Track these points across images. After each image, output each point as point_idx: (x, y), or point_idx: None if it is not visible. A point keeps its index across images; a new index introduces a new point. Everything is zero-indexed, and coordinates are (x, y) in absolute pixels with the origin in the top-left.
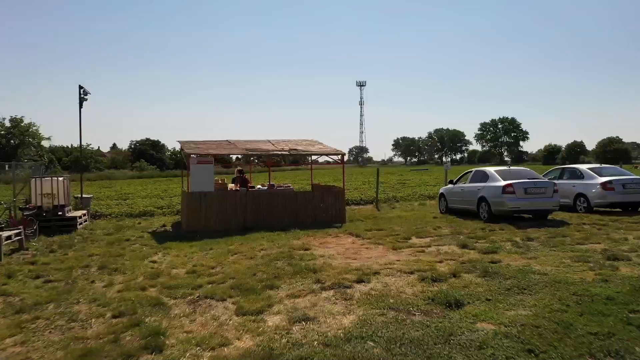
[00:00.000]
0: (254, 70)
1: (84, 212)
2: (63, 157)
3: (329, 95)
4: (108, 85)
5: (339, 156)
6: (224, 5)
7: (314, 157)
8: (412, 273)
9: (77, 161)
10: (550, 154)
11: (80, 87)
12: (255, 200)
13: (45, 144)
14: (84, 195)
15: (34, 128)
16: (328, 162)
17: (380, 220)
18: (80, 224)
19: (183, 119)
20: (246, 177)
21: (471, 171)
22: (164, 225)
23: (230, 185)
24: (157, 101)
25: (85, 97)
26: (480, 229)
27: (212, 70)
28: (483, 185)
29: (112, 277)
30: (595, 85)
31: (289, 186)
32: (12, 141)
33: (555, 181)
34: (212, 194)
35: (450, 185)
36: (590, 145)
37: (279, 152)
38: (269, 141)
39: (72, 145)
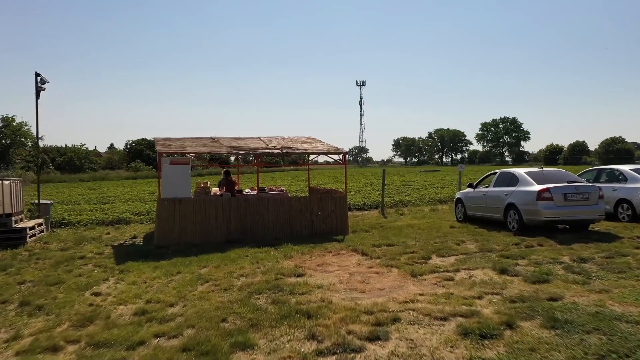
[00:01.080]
0: (253, 70)
1: (40, 221)
2: (57, 157)
3: (328, 95)
4: (106, 85)
5: (340, 156)
6: (223, 5)
7: (311, 157)
8: (445, 319)
9: (71, 161)
10: (552, 154)
11: (37, 75)
12: (241, 208)
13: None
14: (42, 201)
15: (26, 128)
16: (328, 162)
17: (389, 230)
18: (33, 235)
19: (182, 119)
20: (233, 179)
21: (495, 173)
22: (134, 237)
23: (215, 189)
24: (156, 101)
25: (42, 86)
26: (513, 244)
27: (211, 70)
28: (512, 190)
29: (28, 322)
30: (598, 84)
31: (283, 190)
32: (2, 141)
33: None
34: (188, 201)
35: (468, 190)
36: (592, 146)
37: (270, 151)
38: (260, 138)
39: (66, 145)
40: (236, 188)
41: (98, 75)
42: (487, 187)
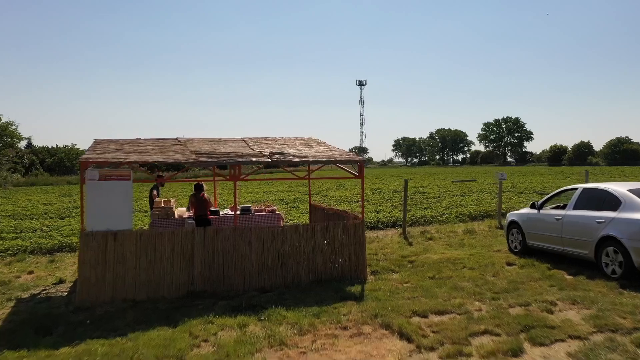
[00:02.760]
0: (252, 69)
1: None
2: (47, 158)
3: (329, 95)
4: (103, 84)
5: (356, 164)
6: (222, 4)
7: (312, 165)
8: None
9: (61, 163)
10: (556, 155)
11: None
12: (209, 244)
13: (23, 144)
14: None
15: (12, 127)
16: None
17: (425, 271)
18: None
19: (181, 118)
20: (207, 196)
21: (575, 189)
22: (60, 281)
23: (181, 211)
24: (155, 101)
25: None
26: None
27: (210, 69)
28: (610, 217)
29: None
30: (602, 83)
31: (275, 210)
32: None
33: None
34: (128, 235)
35: (529, 211)
36: (597, 146)
37: (253, 159)
38: (244, 140)
39: (57, 145)
40: (211, 208)
41: (95, 74)
42: (562, 208)
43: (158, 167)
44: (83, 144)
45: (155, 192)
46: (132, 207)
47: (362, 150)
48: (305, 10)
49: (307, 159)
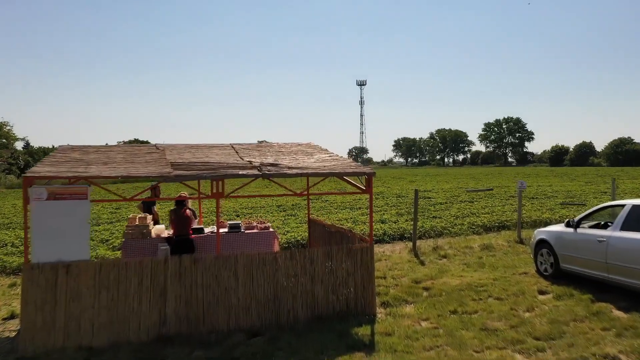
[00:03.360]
0: (251, 69)
1: None
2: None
3: (328, 95)
4: (102, 84)
5: (363, 177)
6: (222, 3)
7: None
8: None
9: None
10: (558, 155)
11: None
12: (186, 276)
13: (19, 145)
14: None
15: (7, 128)
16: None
17: (444, 302)
18: None
19: (180, 119)
20: (189, 213)
21: (621, 205)
22: (12, 316)
23: (160, 229)
24: (153, 100)
25: None
26: None
27: (209, 69)
28: None
29: None
30: (604, 83)
31: (269, 227)
32: None
33: None
34: (84, 267)
35: (563, 229)
36: (599, 147)
37: (240, 172)
38: (232, 147)
39: (53, 146)
40: (194, 226)
41: (94, 74)
42: (604, 227)
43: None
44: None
45: (173, 217)
46: (88, 232)
47: (362, 150)
48: (305, 10)
49: (304, 172)
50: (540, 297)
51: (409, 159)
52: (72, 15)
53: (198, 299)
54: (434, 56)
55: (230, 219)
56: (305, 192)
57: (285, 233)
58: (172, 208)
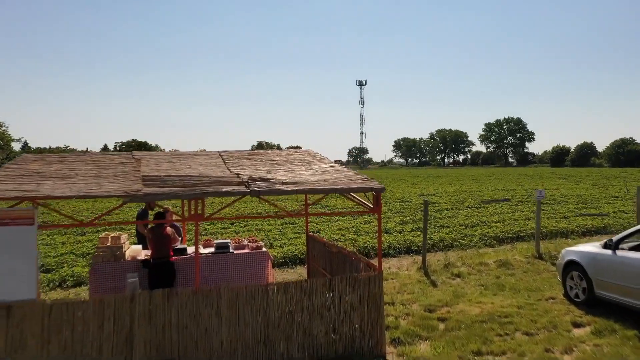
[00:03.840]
0: (251, 69)
1: None
2: None
3: (329, 95)
4: (101, 84)
5: (372, 193)
6: (222, 4)
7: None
8: None
9: None
10: (559, 156)
11: None
12: (157, 315)
13: (17, 146)
14: None
15: (2, 129)
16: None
17: (465, 339)
18: None
19: (182, 118)
20: (169, 231)
21: None
22: None
23: (136, 250)
24: (153, 101)
25: None
26: None
27: (208, 69)
28: None
29: None
30: (605, 83)
31: (260, 246)
32: None
33: None
34: (30, 309)
35: (599, 250)
36: (600, 147)
37: (222, 189)
38: (220, 156)
39: (50, 147)
40: (175, 245)
41: (93, 74)
42: None
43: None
44: (81, 145)
45: (150, 235)
46: (35, 264)
47: (362, 150)
48: (305, 10)
49: (301, 188)
50: (576, 331)
51: (409, 159)
52: (72, 16)
53: (172, 343)
54: (434, 56)
55: (217, 238)
56: (304, 212)
57: (282, 246)
58: (150, 226)
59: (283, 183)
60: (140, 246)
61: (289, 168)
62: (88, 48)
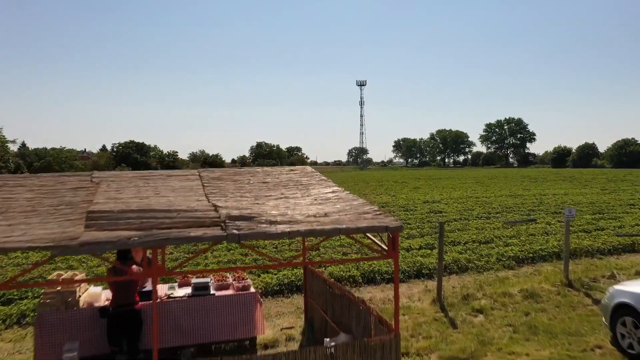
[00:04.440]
0: (251, 69)
1: None
2: (35, 161)
3: (329, 95)
4: (100, 84)
5: (388, 234)
6: (221, 3)
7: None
8: None
9: (49, 166)
10: (560, 157)
11: None
12: None
13: (14, 147)
14: None
15: None
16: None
17: None
18: None
19: (181, 118)
20: (135, 270)
21: None
22: None
23: (94, 294)
24: (154, 100)
25: None
26: None
27: (208, 69)
28: None
29: None
30: (607, 83)
31: (248, 285)
32: None
33: None
34: None
35: None
36: (601, 148)
37: (188, 234)
38: (199, 177)
39: (46, 148)
40: (143, 287)
41: (92, 74)
42: None
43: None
44: (81, 146)
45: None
46: None
47: (362, 150)
48: (305, 10)
49: (295, 229)
50: None
51: (409, 159)
52: (72, 16)
53: None
54: (435, 56)
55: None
56: (302, 261)
57: (277, 272)
58: (110, 266)
59: (271, 222)
60: (99, 289)
61: (282, 194)
62: (87, 48)
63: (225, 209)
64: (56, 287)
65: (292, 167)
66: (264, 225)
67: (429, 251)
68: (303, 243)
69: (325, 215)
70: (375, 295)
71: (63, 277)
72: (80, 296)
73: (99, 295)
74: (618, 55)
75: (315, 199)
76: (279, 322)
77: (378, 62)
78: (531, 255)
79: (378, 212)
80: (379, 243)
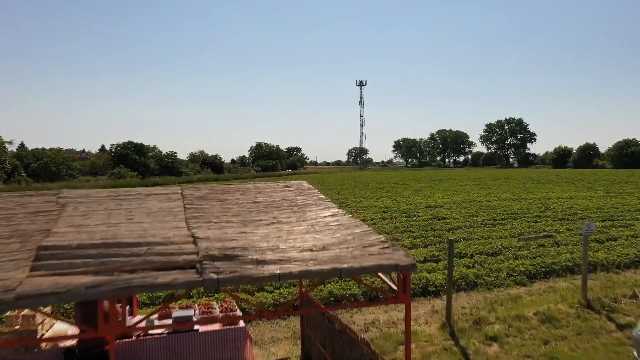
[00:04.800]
0: (251, 69)
1: None
2: (32, 162)
3: (329, 95)
4: (99, 85)
5: (398, 273)
6: (222, 5)
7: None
8: None
9: (46, 167)
10: (561, 157)
11: None
12: None
13: (12, 147)
14: None
15: None
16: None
17: None
18: None
19: (181, 119)
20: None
21: None
22: None
23: (61, 329)
24: (154, 101)
25: None
26: None
27: (208, 70)
28: None
29: None
30: (608, 84)
31: (236, 317)
32: None
33: None
34: None
35: None
36: (602, 148)
37: (155, 280)
38: (181, 196)
39: (44, 148)
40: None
41: (91, 74)
42: None
43: None
44: (81, 146)
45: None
46: None
47: (362, 150)
48: (306, 10)
49: (286, 271)
50: None
51: (409, 159)
52: (71, 16)
53: None
54: (435, 56)
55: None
56: (299, 310)
57: (272, 291)
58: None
59: (259, 262)
60: (66, 326)
61: (274, 218)
62: (86, 48)
63: (205, 241)
64: (15, 326)
65: (287, 183)
66: (250, 266)
67: (434, 265)
68: (300, 286)
69: (324, 248)
70: (379, 317)
71: (23, 313)
72: (43, 335)
73: (65, 331)
74: (619, 55)
75: (312, 226)
76: (274, 350)
77: (378, 62)
78: (543, 269)
79: (385, 245)
80: (387, 281)
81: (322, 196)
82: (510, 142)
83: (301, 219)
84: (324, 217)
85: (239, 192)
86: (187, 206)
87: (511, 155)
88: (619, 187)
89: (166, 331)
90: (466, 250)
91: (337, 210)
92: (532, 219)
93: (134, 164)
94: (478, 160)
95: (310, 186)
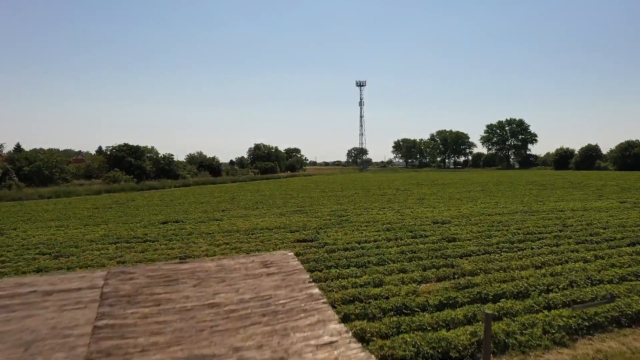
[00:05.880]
0: (251, 69)
1: None
2: (25, 166)
3: (328, 95)
4: (98, 86)
5: None
6: (221, 5)
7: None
8: None
9: (39, 171)
10: (563, 159)
11: None
12: None
13: (8, 148)
14: None
15: None
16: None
17: None
18: None
19: (181, 119)
20: None
21: None
22: None
23: None
24: (153, 101)
25: None
26: None
27: (208, 69)
28: None
29: None
30: (609, 84)
31: None
32: None
33: None
34: None
35: None
36: (604, 149)
37: None
38: (100, 290)
39: (42, 148)
40: None
41: (90, 75)
42: None
43: None
44: (78, 147)
45: None
46: None
47: (361, 151)
48: (305, 10)
49: None
50: None
51: (409, 160)
52: (70, 16)
53: None
54: (435, 56)
55: None
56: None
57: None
58: None
59: None
60: None
61: (233, 349)
62: (86, 49)
63: None
64: None
65: (265, 260)
66: None
67: (452, 313)
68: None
69: None
70: None
71: None
72: None
73: None
74: (621, 56)
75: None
76: None
77: (378, 62)
78: (586, 322)
79: None
80: None
81: (313, 290)
82: (511, 143)
83: (277, 355)
84: (316, 347)
85: (193, 280)
86: (99, 320)
87: (512, 157)
88: (631, 195)
89: None
90: (487, 289)
91: (337, 326)
92: (552, 241)
93: (130, 167)
94: (478, 161)
95: (298, 265)
